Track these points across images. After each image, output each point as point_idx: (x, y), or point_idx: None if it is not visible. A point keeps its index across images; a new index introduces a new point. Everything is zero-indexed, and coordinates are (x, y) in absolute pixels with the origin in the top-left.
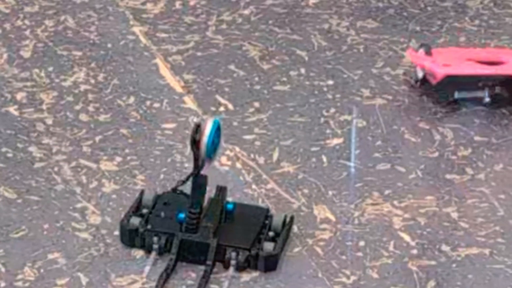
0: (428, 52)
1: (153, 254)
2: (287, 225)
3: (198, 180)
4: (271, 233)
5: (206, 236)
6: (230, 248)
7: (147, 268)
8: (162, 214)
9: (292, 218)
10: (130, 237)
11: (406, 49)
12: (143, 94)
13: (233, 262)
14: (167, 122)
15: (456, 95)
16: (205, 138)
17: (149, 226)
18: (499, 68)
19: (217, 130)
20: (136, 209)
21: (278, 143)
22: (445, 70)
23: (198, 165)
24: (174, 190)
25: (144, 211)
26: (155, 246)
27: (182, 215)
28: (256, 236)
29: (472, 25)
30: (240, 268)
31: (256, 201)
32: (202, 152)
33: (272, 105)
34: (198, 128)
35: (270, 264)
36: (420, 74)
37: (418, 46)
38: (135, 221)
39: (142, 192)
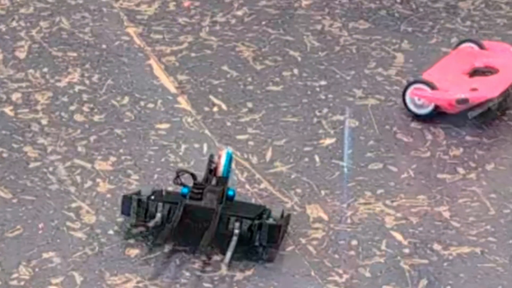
0: (482, 47)
1: (157, 218)
2: (285, 217)
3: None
4: (270, 220)
5: (211, 202)
6: (234, 218)
7: (151, 224)
8: (164, 192)
9: (288, 215)
10: (132, 208)
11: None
12: (137, 95)
13: (236, 231)
14: (161, 122)
15: (470, 115)
16: (220, 170)
17: (152, 197)
18: (501, 80)
19: (229, 161)
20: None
21: (271, 143)
22: (458, 108)
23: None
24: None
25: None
26: (158, 215)
27: (185, 190)
28: (258, 215)
29: (464, 26)
30: (243, 240)
31: (250, 201)
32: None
33: (265, 105)
34: (212, 161)
35: (273, 235)
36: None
37: (458, 42)
38: (138, 195)
39: (139, 192)
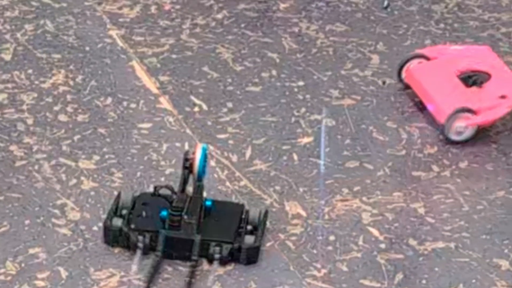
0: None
1: (139, 253)
2: (263, 218)
3: (199, 191)
4: (249, 227)
5: (190, 232)
6: (213, 243)
7: (134, 267)
8: (144, 213)
9: (266, 212)
10: (114, 237)
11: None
12: (120, 95)
13: (217, 256)
14: (143, 122)
15: None
16: (196, 165)
17: (132, 226)
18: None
19: (205, 156)
20: (116, 209)
21: (251, 141)
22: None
23: (194, 189)
24: (154, 194)
25: (124, 211)
26: (140, 245)
27: (165, 213)
28: (236, 229)
29: (437, 28)
30: (223, 262)
31: (230, 198)
32: (195, 177)
33: (245, 105)
34: (188, 157)
35: (252, 256)
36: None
37: (405, 60)
38: (118, 222)
39: (119, 194)
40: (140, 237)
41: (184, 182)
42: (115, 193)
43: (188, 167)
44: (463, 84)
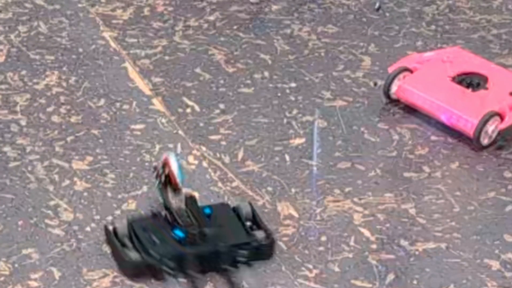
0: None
1: (174, 281)
2: (253, 210)
3: (192, 202)
4: (248, 223)
5: (215, 243)
6: (235, 247)
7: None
8: (155, 239)
9: (250, 203)
10: (135, 270)
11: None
12: (113, 97)
13: (242, 259)
14: (136, 123)
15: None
16: (176, 176)
17: (155, 255)
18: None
19: (179, 162)
20: (117, 240)
21: (243, 143)
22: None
23: (184, 199)
24: (155, 215)
25: (125, 240)
26: (170, 271)
27: (180, 233)
28: (245, 229)
29: (429, 30)
30: (249, 264)
31: (222, 199)
32: (179, 187)
33: (237, 107)
34: (162, 168)
35: (271, 249)
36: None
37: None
38: (135, 255)
39: (114, 229)
40: (168, 263)
41: (167, 196)
42: (109, 194)
43: (165, 181)
44: (466, 88)
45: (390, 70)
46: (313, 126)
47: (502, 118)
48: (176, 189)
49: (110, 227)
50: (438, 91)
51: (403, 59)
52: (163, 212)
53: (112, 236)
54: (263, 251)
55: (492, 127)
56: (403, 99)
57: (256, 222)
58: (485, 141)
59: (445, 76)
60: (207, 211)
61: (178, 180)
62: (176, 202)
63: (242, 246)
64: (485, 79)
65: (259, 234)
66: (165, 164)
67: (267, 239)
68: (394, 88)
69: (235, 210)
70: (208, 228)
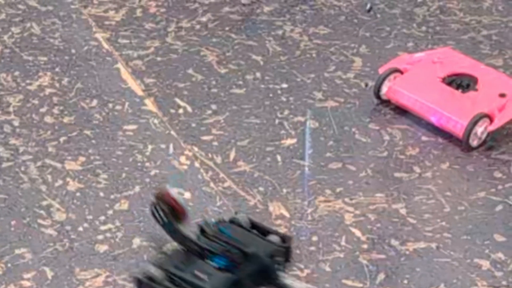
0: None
1: None
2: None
3: (208, 227)
4: (254, 231)
5: (261, 260)
6: (272, 257)
7: None
8: (200, 274)
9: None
10: None
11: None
12: (106, 97)
13: (281, 267)
14: (129, 123)
15: None
16: (181, 205)
17: None
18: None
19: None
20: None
21: (235, 143)
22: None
23: (201, 227)
24: (188, 249)
25: (170, 284)
26: None
27: (221, 261)
28: (261, 238)
29: (419, 31)
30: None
31: (214, 199)
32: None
33: (229, 107)
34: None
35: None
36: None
37: (385, 75)
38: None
39: (149, 278)
40: None
41: (176, 230)
42: (101, 194)
43: (168, 218)
44: (455, 90)
45: (381, 71)
46: (304, 126)
47: (491, 119)
48: (183, 219)
49: (141, 277)
50: (428, 92)
51: (394, 60)
52: (180, 247)
53: (152, 285)
54: (289, 253)
55: (481, 129)
56: (393, 100)
57: (260, 229)
58: (474, 142)
59: (435, 77)
60: (224, 230)
61: (183, 205)
62: (192, 232)
63: (276, 254)
64: (475, 80)
65: (275, 238)
66: (162, 199)
67: (285, 241)
68: (384, 89)
69: (234, 223)
70: (247, 247)
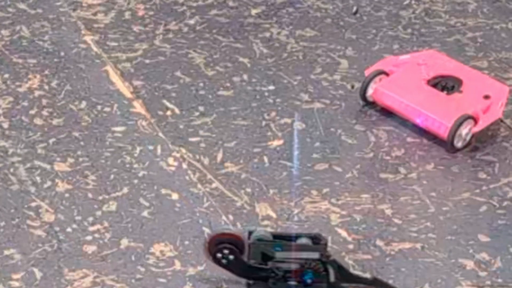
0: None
1: None
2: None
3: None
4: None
5: (337, 263)
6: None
7: None
8: None
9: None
10: None
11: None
12: (94, 99)
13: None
14: (117, 125)
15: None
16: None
17: None
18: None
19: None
20: None
21: (222, 144)
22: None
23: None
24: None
25: None
26: None
27: (308, 276)
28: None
29: (405, 33)
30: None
31: (202, 200)
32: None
33: (216, 109)
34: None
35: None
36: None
37: (372, 76)
38: None
39: None
40: None
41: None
42: (90, 195)
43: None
44: (440, 92)
45: (367, 73)
46: (293, 128)
47: (476, 121)
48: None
49: None
50: (413, 94)
51: (380, 62)
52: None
53: None
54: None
55: (465, 130)
56: (379, 102)
57: (284, 236)
58: (459, 144)
59: (420, 79)
60: (278, 248)
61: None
62: (254, 261)
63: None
64: (459, 82)
65: (307, 241)
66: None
67: (320, 240)
68: (370, 91)
69: (261, 240)
70: (319, 254)
